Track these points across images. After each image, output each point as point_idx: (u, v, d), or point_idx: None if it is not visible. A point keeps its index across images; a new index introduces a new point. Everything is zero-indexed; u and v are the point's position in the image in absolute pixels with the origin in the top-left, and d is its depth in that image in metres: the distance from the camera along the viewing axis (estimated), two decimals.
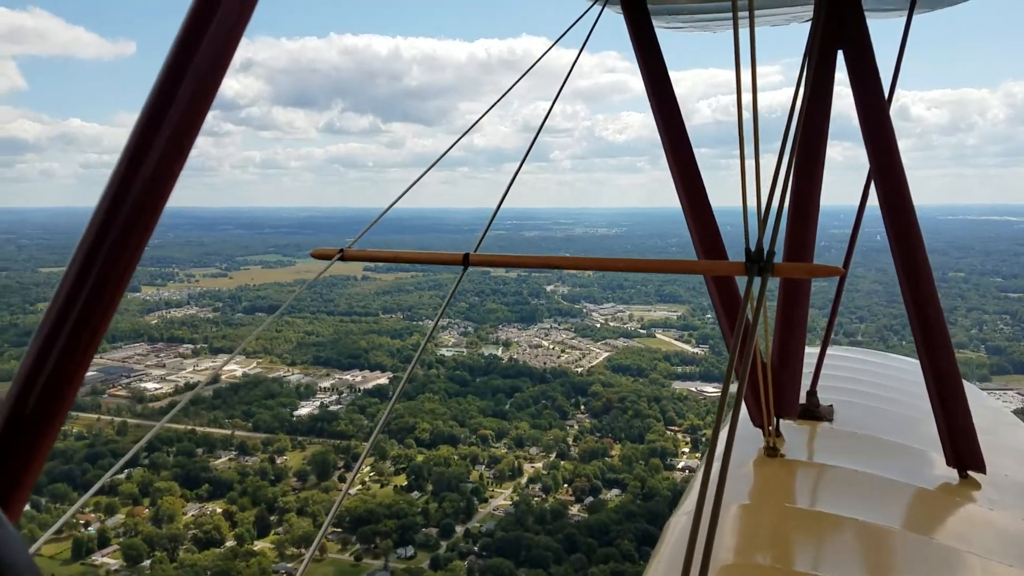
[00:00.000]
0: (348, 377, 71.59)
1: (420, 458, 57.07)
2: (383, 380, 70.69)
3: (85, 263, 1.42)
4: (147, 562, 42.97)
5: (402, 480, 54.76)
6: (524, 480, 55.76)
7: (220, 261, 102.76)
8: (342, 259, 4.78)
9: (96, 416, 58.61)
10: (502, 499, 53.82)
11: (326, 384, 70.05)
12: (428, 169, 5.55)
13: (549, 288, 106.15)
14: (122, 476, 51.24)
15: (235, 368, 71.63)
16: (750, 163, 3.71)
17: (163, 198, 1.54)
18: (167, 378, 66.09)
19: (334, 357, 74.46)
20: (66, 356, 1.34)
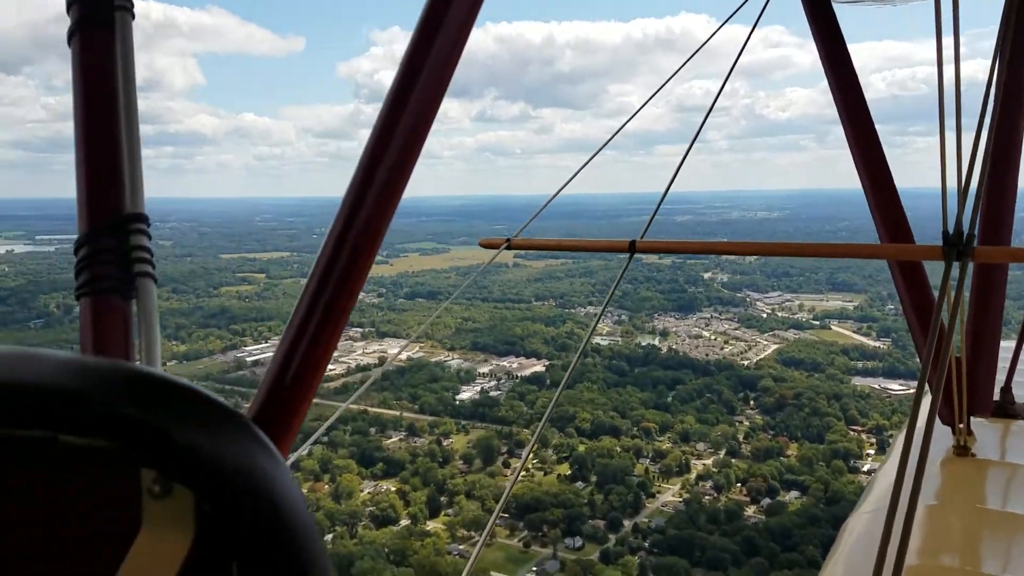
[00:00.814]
0: (505, 363, 71.85)
1: (582, 448, 56.09)
2: (539, 367, 70.34)
3: (332, 254, 1.55)
4: (329, 536, 44.66)
5: (565, 469, 54.00)
6: (693, 477, 53.41)
7: (382, 249, 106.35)
8: (508, 248, 5.01)
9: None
10: (670, 495, 51.82)
11: (484, 369, 70.63)
12: (593, 156, 5.79)
13: (707, 275, 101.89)
14: (304, 453, 53.79)
15: (400, 352, 73.70)
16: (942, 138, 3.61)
17: (400, 188, 1.67)
18: (339, 359, 68.98)
19: (491, 343, 74.96)
20: (316, 337, 1.46)
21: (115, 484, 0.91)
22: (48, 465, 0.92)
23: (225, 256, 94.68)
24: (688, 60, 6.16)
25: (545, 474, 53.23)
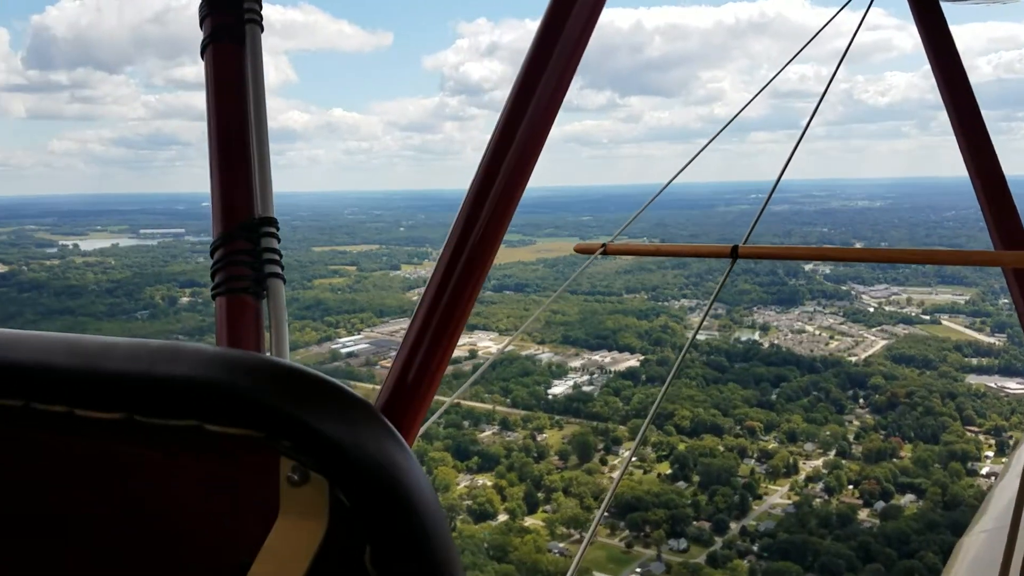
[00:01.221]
0: (597, 357, 70.21)
1: (682, 446, 54.03)
2: (632, 362, 68.40)
3: (455, 250, 1.59)
4: None
5: (665, 468, 52.10)
6: (802, 478, 50.62)
7: None
8: (604, 253, 4.94)
9: (371, 386, 62.31)
10: (778, 497, 49.26)
11: (576, 364, 69.20)
12: (697, 153, 5.76)
13: (808, 268, 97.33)
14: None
15: (490, 345, 73.10)
16: None
17: (523, 182, 1.67)
18: (506, 346, 68.71)
19: (582, 337, 73.43)
20: (439, 333, 1.50)
21: (256, 472, 0.97)
22: (195, 452, 1.00)
23: (317, 249, 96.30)
24: (803, 49, 5.98)
25: (645, 472, 51.49)
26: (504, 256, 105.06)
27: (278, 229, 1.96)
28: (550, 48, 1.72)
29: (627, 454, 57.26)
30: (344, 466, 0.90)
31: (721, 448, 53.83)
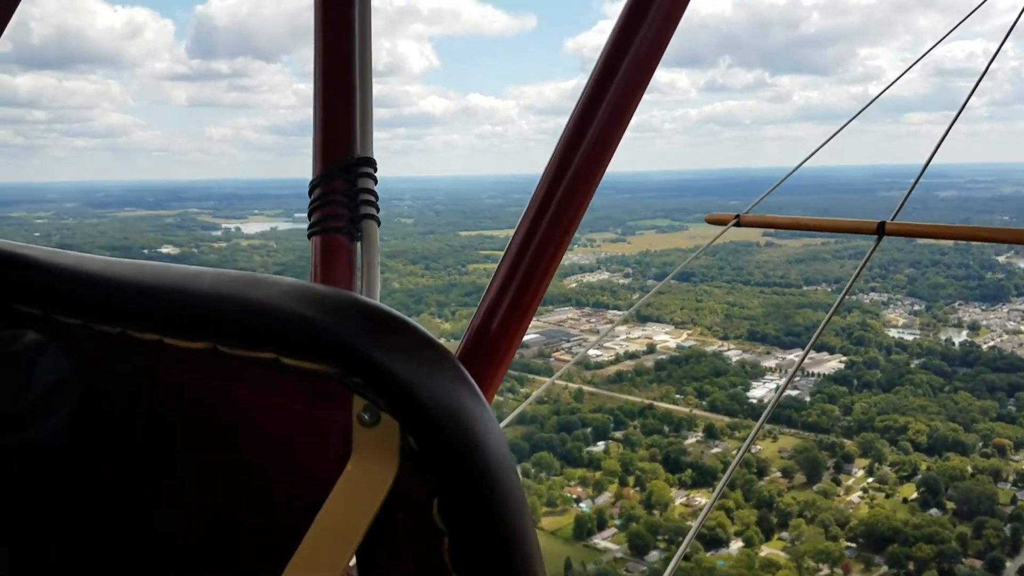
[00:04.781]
0: (792, 357, 63.09)
1: (924, 466, 46.86)
2: (835, 363, 61.13)
3: (532, 225, 1.58)
4: (653, 553, 39.25)
5: (910, 491, 45.13)
6: None
7: (613, 225, 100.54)
8: (737, 225, 4.97)
9: (548, 380, 57.67)
10: None
11: (770, 363, 62.51)
12: (845, 124, 5.94)
13: (1002, 259, 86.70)
14: (598, 448, 49.09)
15: (667, 339, 67.45)
16: None
17: (604, 163, 1.66)
18: (605, 346, 63.80)
19: (772, 334, 66.53)
20: (524, 284, 1.52)
21: (331, 410, 0.96)
22: (273, 386, 1.01)
23: (463, 233, 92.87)
24: (962, 21, 6.01)
25: (887, 496, 44.70)
26: (656, 243, 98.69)
27: (375, 170, 1.88)
28: (640, 20, 1.60)
29: (860, 473, 51.13)
30: (415, 409, 0.88)
31: (969, 469, 46.35)
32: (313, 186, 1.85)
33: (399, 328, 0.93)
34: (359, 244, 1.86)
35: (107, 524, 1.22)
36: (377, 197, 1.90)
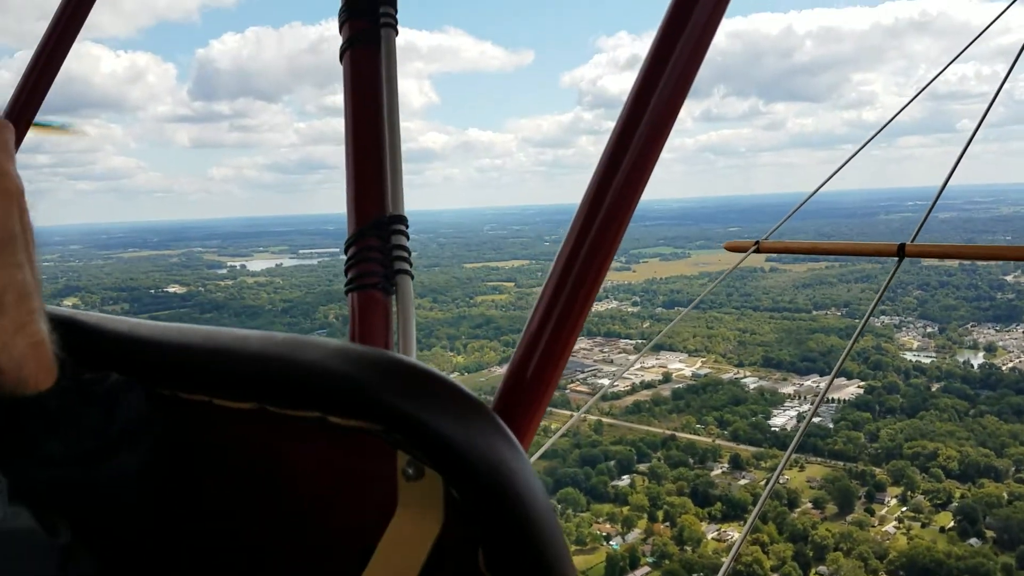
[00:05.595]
0: (810, 383, 62.20)
1: (958, 493, 45.71)
2: (854, 388, 60.18)
3: (575, 246, 1.58)
4: None
5: (945, 519, 43.91)
6: None
7: (617, 254, 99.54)
8: (758, 251, 5.05)
9: (569, 413, 56.43)
10: None
11: (787, 390, 61.52)
12: (856, 152, 6.07)
13: (1010, 279, 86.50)
14: (623, 482, 47.71)
15: (681, 367, 66.51)
16: None
17: (638, 193, 1.66)
18: (621, 376, 62.72)
19: (787, 360, 65.65)
20: (558, 330, 1.53)
21: (376, 464, 1.01)
22: (320, 443, 1.05)
23: (468, 265, 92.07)
24: (968, 46, 5.97)
25: (923, 526, 43.47)
26: (661, 270, 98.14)
27: (407, 226, 1.95)
28: (673, 43, 1.57)
29: (893, 502, 49.93)
30: (457, 463, 0.92)
31: (1005, 495, 45.22)
32: (348, 244, 1.88)
33: (436, 385, 0.97)
34: (394, 298, 1.87)
35: (171, 562, 1.27)
36: (410, 252, 1.91)
